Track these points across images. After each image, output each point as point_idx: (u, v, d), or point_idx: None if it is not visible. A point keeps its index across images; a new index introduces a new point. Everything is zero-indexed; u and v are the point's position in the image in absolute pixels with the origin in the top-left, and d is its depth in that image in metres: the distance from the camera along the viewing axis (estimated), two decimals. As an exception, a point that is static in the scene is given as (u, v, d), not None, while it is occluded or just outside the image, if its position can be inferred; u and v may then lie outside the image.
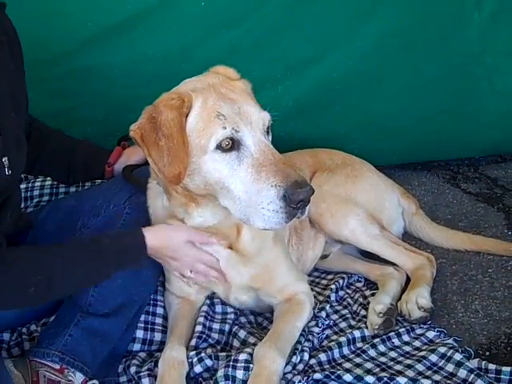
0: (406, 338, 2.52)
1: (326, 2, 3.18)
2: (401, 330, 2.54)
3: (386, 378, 2.23)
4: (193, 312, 2.65)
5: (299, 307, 2.55)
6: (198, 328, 2.56)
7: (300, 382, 2.24)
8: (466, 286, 2.80)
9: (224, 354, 2.44)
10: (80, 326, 2.37)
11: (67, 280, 2.21)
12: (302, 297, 2.58)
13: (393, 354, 2.44)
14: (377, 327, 2.54)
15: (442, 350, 2.36)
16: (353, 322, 2.65)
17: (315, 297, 2.73)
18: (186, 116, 2.12)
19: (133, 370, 2.43)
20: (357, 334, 2.54)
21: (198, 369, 2.38)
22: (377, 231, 2.87)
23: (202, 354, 2.40)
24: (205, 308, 2.65)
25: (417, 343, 2.48)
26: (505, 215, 3.31)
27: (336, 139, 3.40)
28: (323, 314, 2.64)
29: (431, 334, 2.50)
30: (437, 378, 2.25)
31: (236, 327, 2.61)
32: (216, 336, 2.59)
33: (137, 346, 2.59)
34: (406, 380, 2.21)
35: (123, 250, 2.27)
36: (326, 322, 2.61)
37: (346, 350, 2.48)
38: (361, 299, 2.77)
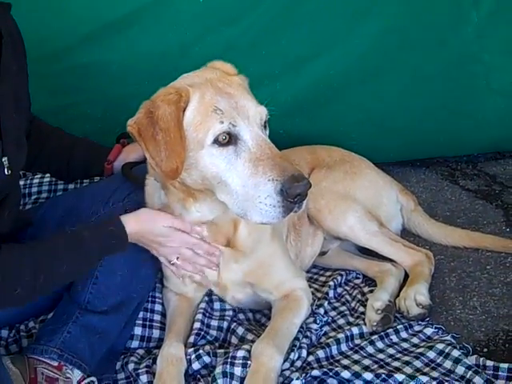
0: (404, 334, 2.53)
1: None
2: (399, 327, 2.54)
3: (384, 375, 2.23)
4: (191, 309, 2.66)
5: (297, 304, 2.55)
6: (196, 325, 2.56)
7: (298, 378, 2.23)
8: (465, 282, 2.80)
9: (222, 350, 2.44)
10: (78, 323, 2.37)
11: (52, 277, 2.19)
12: (300, 293, 2.58)
13: (391, 351, 2.44)
14: (375, 324, 2.54)
15: (440, 346, 2.36)
16: (351, 319, 2.65)
17: (313, 293, 2.73)
18: (184, 110, 2.12)
19: (131, 366, 2.43)
20: (355, 330, 2.54)
21: (196, 366, 2.38)
22: (375, 228, 2.87)
23: (200, 351, 2.40)
24: (203, 305, 2.65)
25: (415, 340, 2.48)
26: (503, 212, 3.31)
27: (334, 136, 3.40)
28: (321, 310, 2.64)
29: (429, 331, 2.50)
30: (435, 374, 2.25)
31: (234, 324, 2.61)
32: (214, 333, 2.59)
33: (135, 343, 2.59)
34: (403, 377, 2.21)
35: (103, 240, 2.26)
36: (324, 319, 2.61)
37: (344, 347, 2.48)
38: (359, 296, 2.77)
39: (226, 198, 2.14)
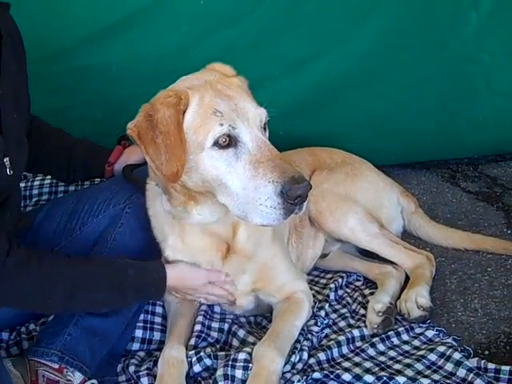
0: (405, 337, 2.52)
1: (324, 1, 3.18)
2: (400, 329, 2.53)
3: (385, 378, 2.22)
4: (192, 311, 2.65)
5: (298, 306, 2.54)
6: (197, 327, 2.55)
7: (299, 381, 2.23)
8: (466, 284, 2.80)
9: (223, 353, 2.43)
10: (79, 325, 2.37)
11: (85, 300, 2.26)
12: (301, 296, 2.58)
13: (392, 353, 2.43)
14: (376, 326, 2.54)
15: (441, 349, 2.36)
16: (352, 321, 2.64)
17: (314, 296, 2.73)
18: (183, 113, 2.12)
19: (132, 369, 2.42)
20: (356, 333, 2.53)
21: (197, 368, 2.37)
22: (376, 230, 2.87)
23: (202, 354, 2.39)
24: (204, 307, 2.65)
25: (416, 342, 2.48)
26: (504, 214, 3.30)
27: (334, 138, 3.40)
28: (322, 313, 2.63)
29: (430, 333, 2.50)
30: (436, 377, 2.25)
31: (235, 326, 2.61)
32: (215, 335, 2.59)
33: (136, 346, 2.59)
34: (405, 379, 2.20)
35: (144, 285, 2.34)
36: (325, 321, 2.60)
37: (345, 349, 2.47)
38: (360, 298, 2.77)
39: (227, 201, 2.13)
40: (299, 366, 2.35)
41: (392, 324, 2.56)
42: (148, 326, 2.64)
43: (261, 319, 2.73)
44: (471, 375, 2.21)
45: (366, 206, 2.91)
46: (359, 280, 2.92)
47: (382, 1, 3.21)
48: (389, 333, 2.52)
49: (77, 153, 2.72)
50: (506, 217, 3.28)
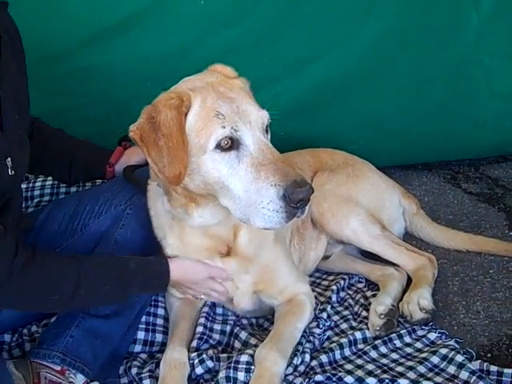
0: (407, 339, 2.52)
1: (325, 1, 3.18)
2: (402, 332, 2.54)
3: (387, 380, 2.22)
4: (194, 313, 2.65)
5: (300, 308, 2.54)
6: (199, 329, 2.55)
7: (301, 383, 2.23)
8: (468, 286, 2.80)
9: (225, 355, 2.43)
10: (81, 327, 2.37)
11: (89, 295, 2.25)
12: (303, 298, 2.58)
13: (394, 356, 2.44)
14: (378, 328, 2.54)
15: (444, 351, 2.36)
16: (354, 323, 2.64)
17: (316, 298, 2.72)
18: (185, 115, 2.11)
19: (134, 371, 2.42)
20: (358, 335, 2.54)
21: (199, 370, 2.37)
22: (378, 231, 2.87)
23: (204, 356, 2.39)
24: (206, 309, 2.65)
25: (418, 345, 2.48)
26: (506, 215, 3.31)
27: (335, 139, 3.40)
28: (324, 315, 2.63)
29: (433, 336, 2.50)
30: (438, 379, 2.25)
31: (237, 328, 2.61)
32: (217, 337, 2.59)
33: (138, 347, 2.58)
34: (407, 382, 2.21)
35: (147, 278, 2.35)
36: (327, 323, 2.60)
37: (347, 352, 2.48)
38: (362, 300, 2.77)
39: (229, 203, 2.13)
40: (301, 368, 2.36)
41: (394, 326, 2.55)
42: (150, 327, 2.63)
43: (263, 321, 2.73)
44: (474, 378, 2.21)
45: (367, 208, 2.91)
46: (361, 282, 2.92)
47: (383, 1, 3.21)
48: (391, 335, 2.52)
49: (78, 154, 2.71)
50: (507, 218, 3.28)
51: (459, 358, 2.31)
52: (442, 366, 2.32)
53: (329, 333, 2.59)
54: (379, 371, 2.34)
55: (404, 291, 2.74)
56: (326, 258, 3.02)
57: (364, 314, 2.67)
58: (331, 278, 2.96)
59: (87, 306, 2.37)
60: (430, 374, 2.29)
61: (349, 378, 2.25)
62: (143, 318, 2.63)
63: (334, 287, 2.82)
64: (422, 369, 2.32)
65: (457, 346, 2.41)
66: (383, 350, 2.47)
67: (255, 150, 2.07)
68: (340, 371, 2.32)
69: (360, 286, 2.89)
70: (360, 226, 2.85)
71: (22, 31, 2.44)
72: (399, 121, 3.52)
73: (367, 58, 3.29)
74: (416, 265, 2.82)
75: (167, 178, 2.11)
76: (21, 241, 2.26)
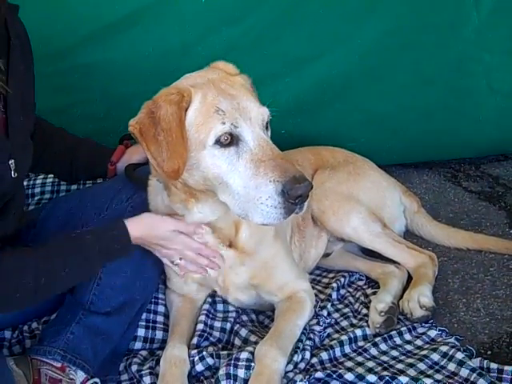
0: (407, 336, 2.52)
1: (327, 0, 3.18)
2: (402, 329, 2.53)
3: (387, 377, 2.22)
4: (194, 310, 2.65)
5: (300, 305, 2.54)
6: (200, 326, 2.55)
7: (301, 380, 2.23)
8: (468, 284, 2.80)
9: (225, 352, 2.43)
10: (82, 324, 2.37)
11: (53, 281, 2.19)
12: (303, 295, 2.58)
13: (394, 353, 2.43)
14: (378, 326, 2.54)
15: (444, 348, 2.36)
16: (354, 321, 2.64)
17: (316, 295, 2.72)
18: (186, 111, 2.12)
19: (134, 368, 2.42)
20: (358, 332, 2.53)
21: (199, 367, 2.37)
22: (379, 229, 2.87)
23: (204, 353, 2.39)
24: (206, 306, 2.65)
25: (418, 342, 2.48)
26: (506, 214, 3.31)
27: (336, 137, 3.40)
28: (324, 312, 2.63)
29: (433, 333, 2.50)
30: (438, 377, 2.24)
31: (237, 325, 2.61)
32: (217, 334, 2.59)
33: (138, 345, 2.58)
34: (407, 379, 2.20)
35: (106, 245, 2.26)
36: (328, 321, 2.61)
37: (347, 349, 2.48)
38: (362, 298, 2.77)
39: (228, 199, 2.13)
40: (301, 365, 2.36)
41: (394, 324, 2.56)
42: (150, 325, 2.64)
43: (263, 318, 2.73)
44: (474, 375, 2.21)
45: (368, 206, 2.91)
46: (361, 279, 2.92)
47: (384, 0, 3.21)
48: (391, 332, 2.52)
49: (80, 153, 2.72)
50: (508, 216, 3.28)
51: (459, 356, 2.30)
52: (442, 363, 2.31)
53: (329, 330, 2.59)
54: (379, 368, 2.34)
55: (404, 289, 2.73)
56: (326, 255, 3.02)
57: (364, 311, 2.67)
58: (331, 275, 2.96)
59: (56, 292, 2.32)
60: (430, 372, 2.28)
61: (349, 375, 2.25)
62: (143, 316, 2.63)
63: (335, 285, 2.82)
64: (422, 366, 2.32)
65: (457, 343, 2.41)
66: (383, 347, 2.46)
67: (255, 147, 2.07)
68: (340, 368, 2.32)
69: (360, 283, 2.89)
70: (361, 223, 2.86)
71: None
72: (400, 119, 3.52)
73: (368, 57, 3.29)
74: (416, 262, 2.82)
75: (166, 173, 2.12)
76: None
